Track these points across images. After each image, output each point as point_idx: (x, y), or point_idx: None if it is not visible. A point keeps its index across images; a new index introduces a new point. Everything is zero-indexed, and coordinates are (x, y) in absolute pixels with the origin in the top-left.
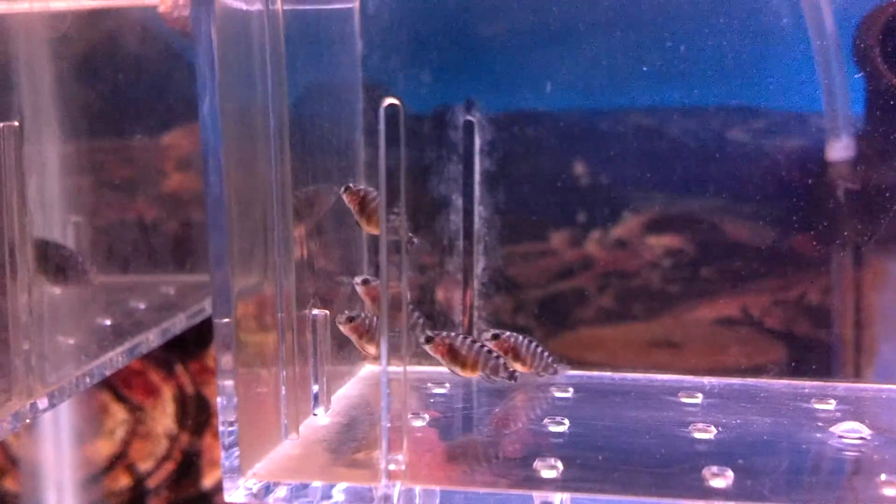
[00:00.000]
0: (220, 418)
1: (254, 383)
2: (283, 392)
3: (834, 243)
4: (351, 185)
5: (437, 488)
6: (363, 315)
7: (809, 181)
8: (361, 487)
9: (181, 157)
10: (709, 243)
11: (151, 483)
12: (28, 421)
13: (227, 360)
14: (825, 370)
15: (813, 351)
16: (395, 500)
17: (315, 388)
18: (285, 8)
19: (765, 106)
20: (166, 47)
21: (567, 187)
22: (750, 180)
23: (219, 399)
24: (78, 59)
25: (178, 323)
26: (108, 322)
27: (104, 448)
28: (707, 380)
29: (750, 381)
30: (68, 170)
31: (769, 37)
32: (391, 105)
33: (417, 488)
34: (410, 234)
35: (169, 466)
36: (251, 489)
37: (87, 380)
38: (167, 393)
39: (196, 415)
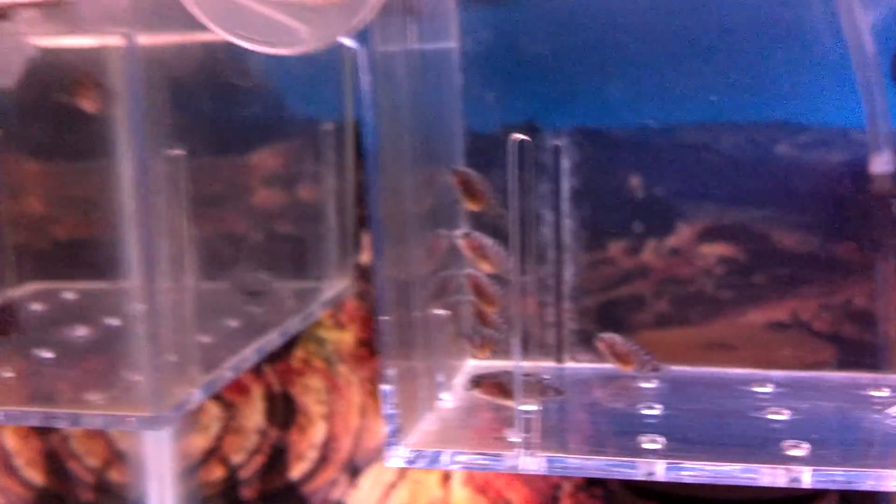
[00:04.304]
0: (386, 402)
1: (405, 373)
2: (421, 379)
3: (877, 251)
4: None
5: (561, 455)
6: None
7: (853, 193)
8: (493, 453)
9: (266, 174)
10: (759, 251)
11: (243, 474)
12: (185, 411)
13: (390, 353)
14: (872, 369)
15: (859, 352)
16: (520, 466)
17: (439, 377)
18: (412, 48)
19: (809, 122)
20: (257, 78)
21: (624, 200)
22: (797, 192)
23: (384, 387)
24: (189, 88)
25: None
26: (234, 324)
27: (200, 442)
28: (774, 373)
29: (813, 373)
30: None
31: (812, 57)
32: (521, 140)
33: (542, 456)
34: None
35: (259, 459)
36: (407, 457)
37: (229, 374)
38: (257, 391)
39: (283, 412)
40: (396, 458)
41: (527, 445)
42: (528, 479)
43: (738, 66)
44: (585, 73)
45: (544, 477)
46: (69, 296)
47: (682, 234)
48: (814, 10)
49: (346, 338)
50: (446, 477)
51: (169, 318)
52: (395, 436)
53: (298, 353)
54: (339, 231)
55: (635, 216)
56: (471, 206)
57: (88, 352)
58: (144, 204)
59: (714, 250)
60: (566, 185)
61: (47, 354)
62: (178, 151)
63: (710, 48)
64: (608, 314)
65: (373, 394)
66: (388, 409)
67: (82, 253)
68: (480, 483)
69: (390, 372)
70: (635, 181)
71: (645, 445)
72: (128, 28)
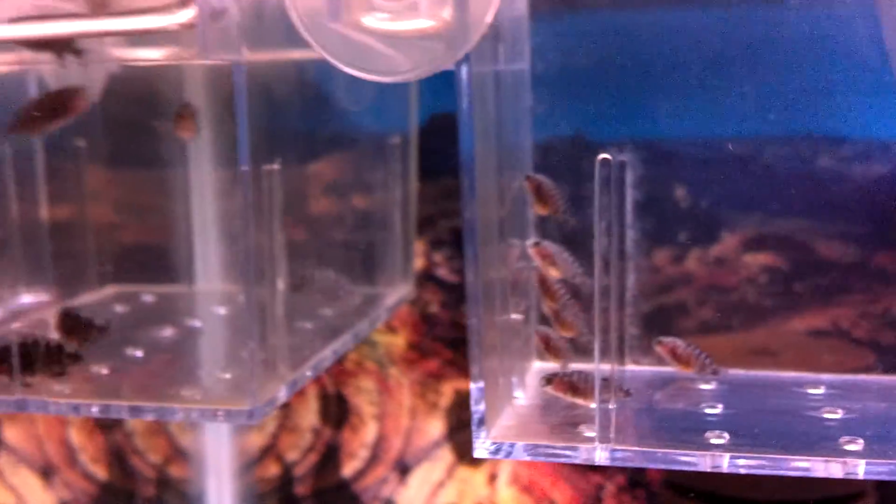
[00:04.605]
0: (473, 398)
1: (489, 371)
2: (500, 378)
3: None
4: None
5: (635, 448)
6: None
7: (893, 204)
8: (571, 446)
9: (341, 185)
10: (801, 261)
11: (298, 471)
12: (275, 407)
13: (477, 353)
14: None
15: None
16: (596, 459)
17: (514, 376)
18: (498, 69)
19: (850, 135)
20: (337, 95)
21: (670, 210)
22: (838, 203)
23: (472, 385)
24: (283, 104)
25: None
26: (313, 326)
27: (257, 440)
28: (824, 376)
29: (861, 377)
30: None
31: (854, 71)
32: (604, 159)
33: (616, 448)
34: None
35: (313, 457)
36: (490, 448)
37: (310, 373)
38: (311, 392)
39: (336, 412)
40: (482, 449)
41: (602, 439)
42: (573, 480)
43: (784, 82)
44: (634, 88)
45: (588, 477)
46: (148, 298)
47: (727, 244)
48: (858, 26)
49: (397, 341)
50: (492, 476)
51: (264, 319)
52: (481, 429)
53: (352, 356)
54: (403, 239)
55: (681, 226)
56: (540, 210)
57: (181, 350)
58: (248, 215)
59: (757, 259)
60: (629, 197)
61: (138, 353)
62: (274, 166)
63: (756, 64)
64: (656, 320)
65: (422, 395)
66: (475, 405)
67: (164, 258)
68: (526, 483)
69: (477, 370)
70: (681, 192)
71: (712, 441)
72: (237, 51)
